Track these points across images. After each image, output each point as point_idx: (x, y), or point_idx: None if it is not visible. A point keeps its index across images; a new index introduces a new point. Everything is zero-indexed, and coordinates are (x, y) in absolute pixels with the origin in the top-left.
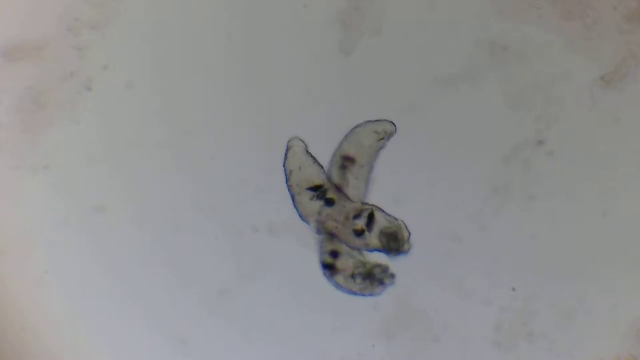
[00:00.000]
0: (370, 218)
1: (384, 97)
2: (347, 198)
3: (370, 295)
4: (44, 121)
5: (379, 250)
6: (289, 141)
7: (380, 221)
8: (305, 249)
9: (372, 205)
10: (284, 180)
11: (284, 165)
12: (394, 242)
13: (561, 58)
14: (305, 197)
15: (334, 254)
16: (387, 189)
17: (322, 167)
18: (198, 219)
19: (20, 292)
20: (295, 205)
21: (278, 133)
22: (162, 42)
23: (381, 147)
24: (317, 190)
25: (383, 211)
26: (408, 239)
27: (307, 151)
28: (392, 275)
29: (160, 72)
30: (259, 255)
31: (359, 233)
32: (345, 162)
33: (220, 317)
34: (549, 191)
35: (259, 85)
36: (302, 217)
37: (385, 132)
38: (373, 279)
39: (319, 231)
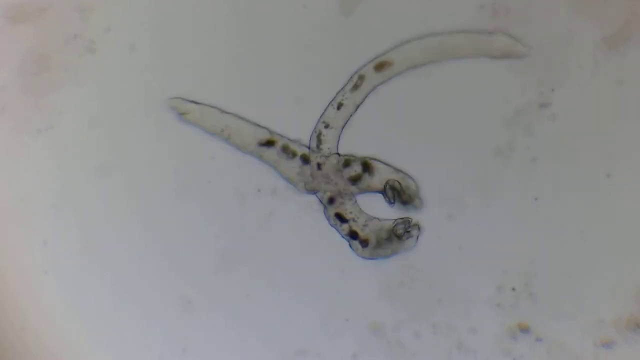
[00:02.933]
0: (366, 165)
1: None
2: (320, 151)
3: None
4: (47, 84)
5: (383, 194)
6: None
7: (381, 170)
8: (309, 212)
9: (357, 156)
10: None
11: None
12: (404, 196)
13: (564, 21)
14: (272, 155)
15: (340, 217)
16: (389, 153)
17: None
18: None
19: (20, 292)
20: (271, 167)
21: (279, 94)
22: (164, 5)
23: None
24: (272, 145)
25: (379, 160)
26: (418, 194)
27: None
28: (418, 226)
29: (163, 34)
30: (262, 217)
31: (355, 179)
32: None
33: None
34: (551, 154)
35: (259, 46)
36: (286, 180)
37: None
38: (400, 237)
39: (309, 192)
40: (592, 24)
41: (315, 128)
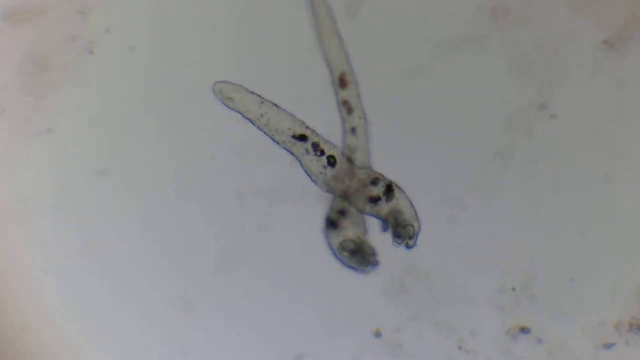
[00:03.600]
0: (389, 189)
1: (386, 61)
2: (350, 160)
3: (354, 269)
4: (47, 84)
5: (383, 222)
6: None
7: (400, 199)
8: (308, 212)
9: (386, 177)
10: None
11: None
12: (402, 230)
13: (564, 21)
14: (300, 149)
15: (342, 212)
16: (390, 154)
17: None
18: (200, 183)
19: (20, 292)
20: (296, 159)
21: (279, 94)
22: (164, 5)
23: None
24: (305, 140)
25: (403, 191)
26: (415, 236)
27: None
28: (376, 263)
29: (163, 34)
30: (262, 217)
31: (374, 200)
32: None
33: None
34: (552, 155)
35: (259, 46)
36: (307, 173)
37: None
38: (361, 256)
39: (325, 190)
40: (592, 24)
41: (343, 151)
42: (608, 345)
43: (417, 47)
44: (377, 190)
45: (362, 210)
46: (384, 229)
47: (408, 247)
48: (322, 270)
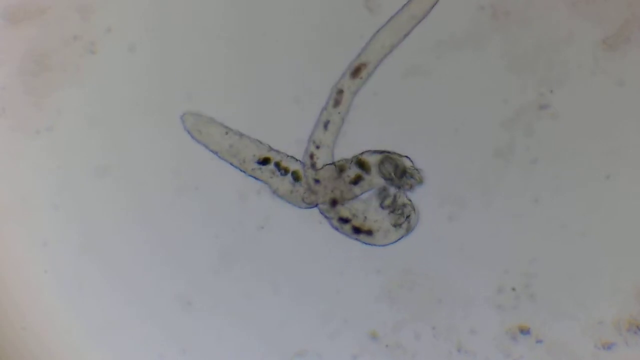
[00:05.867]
0: (360, 164)
1: (387, 60)
2: (312, 160)
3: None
4: (47, 84)
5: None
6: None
7: (371, 159)
8: (309, 212)
9: (348, 158)
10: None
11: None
12: (400, 171)
13: (564, 21)
14: (266, 173)
15: (344, 220)
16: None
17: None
18: (200, 183)
19: (20, 292)
20: (265, 184)
21: (279, 94)
22: (164, 5)
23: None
24: (267, 163)
25: (369, 151)
26: (414, 168)
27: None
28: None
29: (163, 34)
30: (262, 217)
31: (356, 181)
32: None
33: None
34: (551, 155)
35: (259, 46)
36: (283, 199)
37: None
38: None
39: (307, 207)
40: (592, 24)
41: (306, 149)
42: (608, 345)
43: (417, 47)
44: (352, 172)
45: (357, 195)
46: (382, 205)
47: (419, 182)
48: (322, 270)
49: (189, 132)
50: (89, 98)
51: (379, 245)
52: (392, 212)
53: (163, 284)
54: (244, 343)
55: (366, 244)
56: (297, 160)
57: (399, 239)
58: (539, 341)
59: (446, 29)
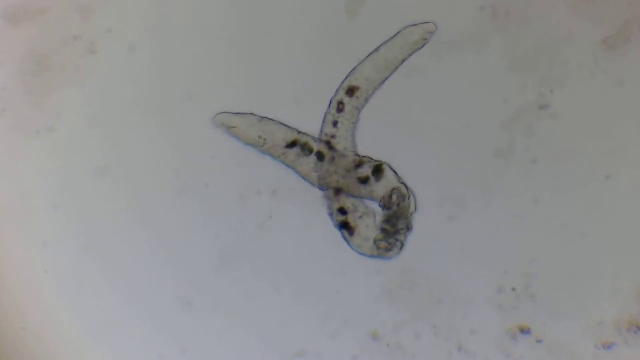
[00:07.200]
0: (377, 169)
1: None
2: (336, 150)
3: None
4: (47, 84)
5: (381, 205)
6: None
7: (389, 178)
8: (309, 212)
9: (373, 159)
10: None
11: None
12: (400, 202)
13: (564, 21)
14: (292, 156)
15: (342, 210)
16: (389, 153)
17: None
18: (200, 183)
19: (20, 292)
20: (291, 168)
21: (278, 94)
22: (164, 5)
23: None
24: (295, 145)
25: (392, 169)
26: (413, 206)
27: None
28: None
29: (163, 34)
30: (262, 217)
31: (363, 180)
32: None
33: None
34: (551, 155)
35: (259, 46)
36: (304, 178)
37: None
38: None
39: (322, 188)
40: (592, 24)
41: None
42: (608, 345)
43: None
44: (365, 172)
45: (358, 194)
46: (385, 207)
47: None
48: (322, 270)
49: (222, 130)
50: (89, 98)
51: (351, 247)
52: (384, 232)
53: (163, 284)
54: (244, 343)
55: (344, 239)
56: (322, 141)
57: (369, 255)
58: (539, 341)
59: (446, 29)
